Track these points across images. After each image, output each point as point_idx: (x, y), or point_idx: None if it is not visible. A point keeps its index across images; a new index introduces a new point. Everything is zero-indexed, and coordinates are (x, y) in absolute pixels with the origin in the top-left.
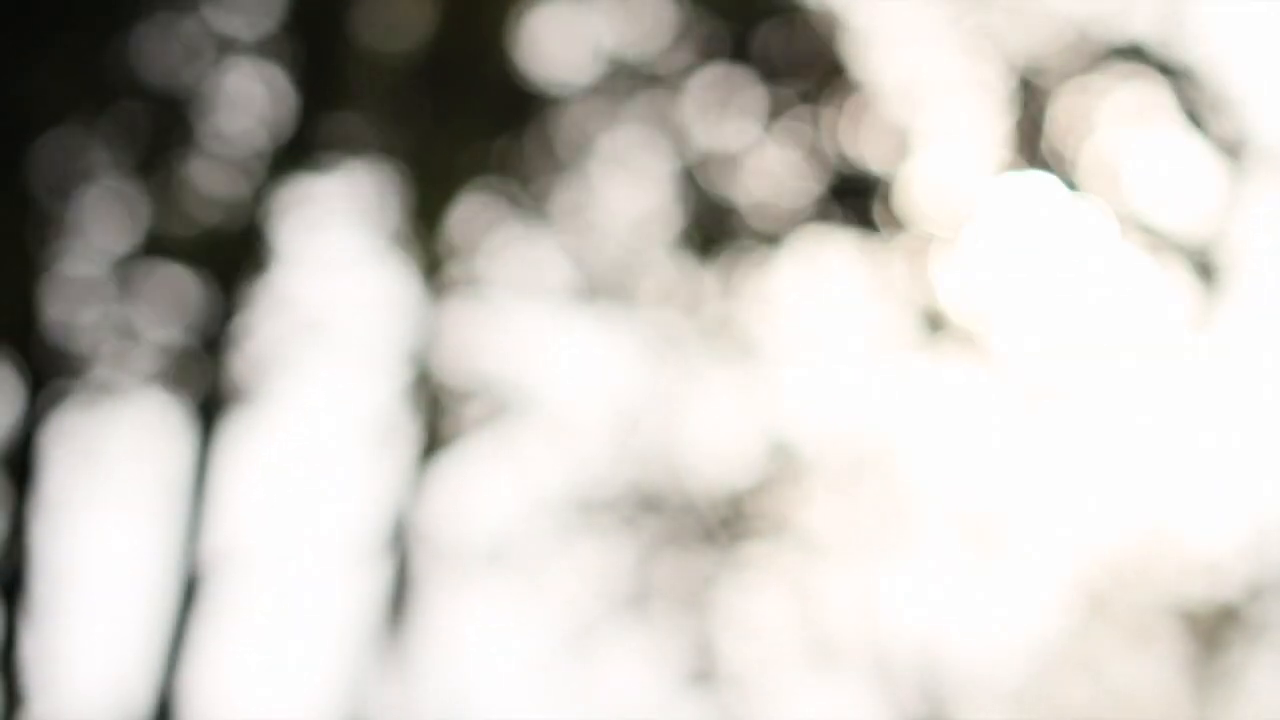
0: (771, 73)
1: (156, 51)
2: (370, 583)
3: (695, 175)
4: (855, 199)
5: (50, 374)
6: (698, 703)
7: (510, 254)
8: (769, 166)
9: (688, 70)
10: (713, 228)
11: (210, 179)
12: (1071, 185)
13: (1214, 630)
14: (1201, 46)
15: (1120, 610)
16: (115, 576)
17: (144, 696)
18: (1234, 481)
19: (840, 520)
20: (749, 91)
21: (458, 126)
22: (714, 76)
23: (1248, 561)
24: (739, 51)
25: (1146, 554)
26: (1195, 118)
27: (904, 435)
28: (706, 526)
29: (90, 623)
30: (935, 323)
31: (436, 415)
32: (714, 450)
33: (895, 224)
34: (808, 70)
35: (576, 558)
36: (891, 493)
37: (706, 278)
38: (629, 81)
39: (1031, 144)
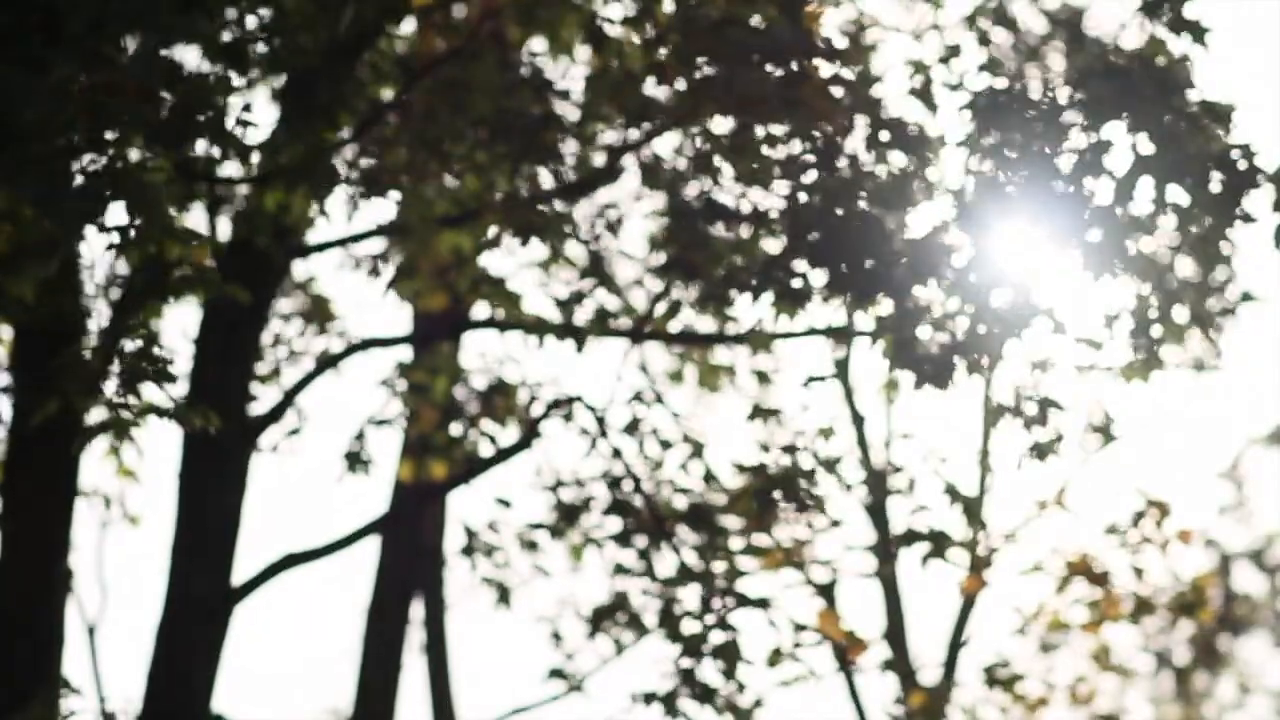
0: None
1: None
2: (377, 585)
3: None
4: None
5: (79, 391)
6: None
7: (518, 277)
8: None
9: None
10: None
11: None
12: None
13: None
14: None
15: (1108, 587)
16: (142, 590)
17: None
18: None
19: (839, 511)
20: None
21: (466, 152)
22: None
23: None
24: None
25: (1135, 530)
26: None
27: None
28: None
29: (122, 631)
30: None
31: (444, 429)
32: (720, 460)
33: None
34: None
35: (581, 563)
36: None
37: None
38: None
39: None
